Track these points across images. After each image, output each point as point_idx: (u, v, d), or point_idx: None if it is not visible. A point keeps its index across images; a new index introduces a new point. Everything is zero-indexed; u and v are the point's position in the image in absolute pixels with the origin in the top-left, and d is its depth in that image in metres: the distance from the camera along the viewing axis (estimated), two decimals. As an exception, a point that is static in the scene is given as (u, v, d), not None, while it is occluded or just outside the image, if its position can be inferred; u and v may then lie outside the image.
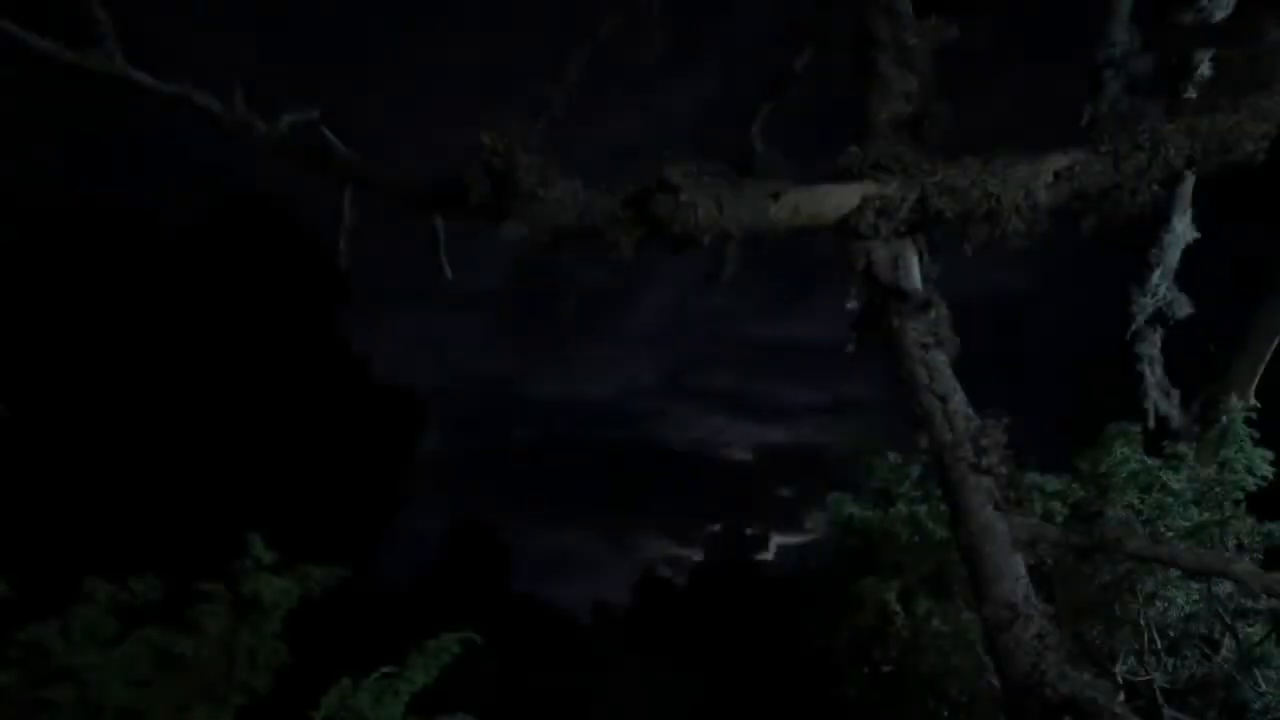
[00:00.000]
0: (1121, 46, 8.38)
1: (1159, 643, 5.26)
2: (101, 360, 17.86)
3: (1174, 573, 5.06)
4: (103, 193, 19.23)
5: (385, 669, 3.00)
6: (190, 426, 17.99)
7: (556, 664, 17.34)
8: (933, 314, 3.34)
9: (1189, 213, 9.00)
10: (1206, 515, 4.88)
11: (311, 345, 21.18)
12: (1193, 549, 2.84)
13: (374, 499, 21.85)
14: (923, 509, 5.46)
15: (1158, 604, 5.21)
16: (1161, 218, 9.19)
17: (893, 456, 6.11)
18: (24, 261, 17.82)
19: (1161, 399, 8.93)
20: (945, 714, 5.57)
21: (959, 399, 3.23)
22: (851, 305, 3.17)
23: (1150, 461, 5.34)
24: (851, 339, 3.54)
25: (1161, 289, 8.95)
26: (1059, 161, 3.39)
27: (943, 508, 5.73)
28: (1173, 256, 8.91)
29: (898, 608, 5.20)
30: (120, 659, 2.15)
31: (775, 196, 3.24)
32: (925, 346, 3.29)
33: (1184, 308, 8.75)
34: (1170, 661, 5.28)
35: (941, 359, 3.29)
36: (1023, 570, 2.99)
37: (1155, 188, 3.66)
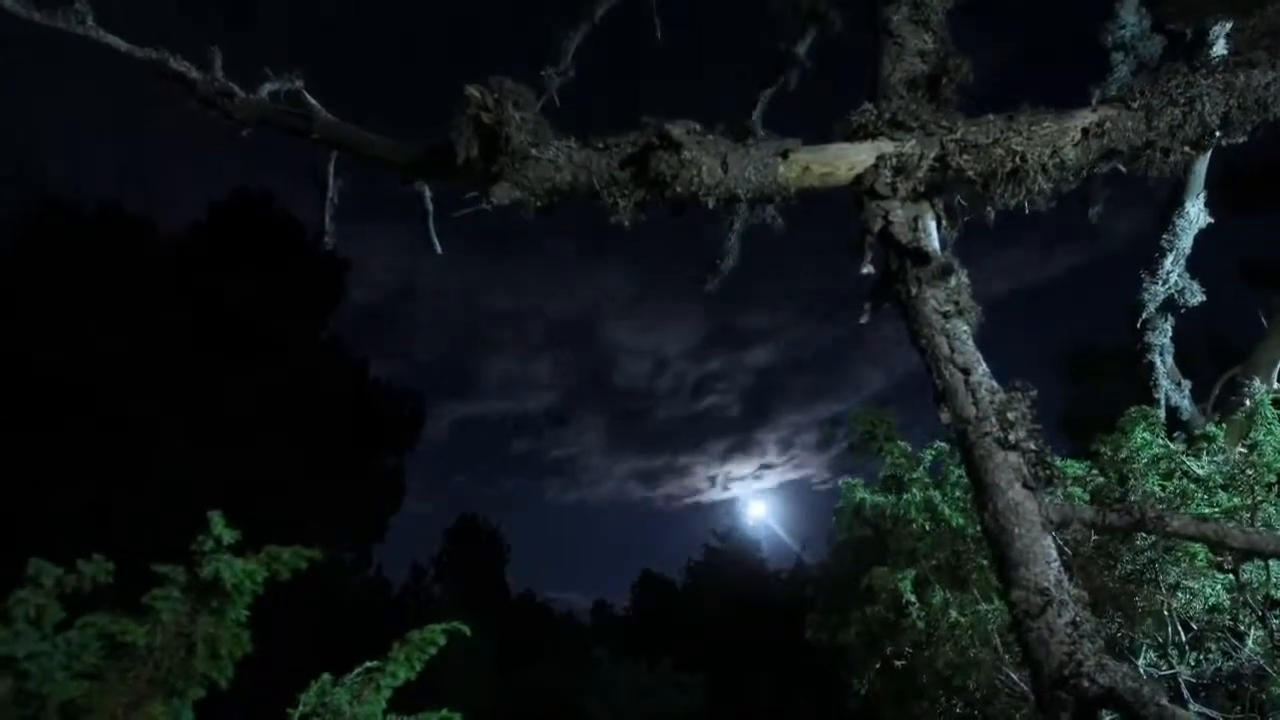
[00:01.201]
0: (1131, 29, 8.12)
1: (1183, 635, 5.04)
2: (102, 360, 17.69)
3: (1199, 561, 4.84)
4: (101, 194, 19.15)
5: (369, 664, 2.79)
6: (190, 426, 17.83)
7: (556, 663, 17.13)
8: (953, 281, 3.12)
9: (1202, 196, 8.76)
10: (1236, 499, 4.66)
11: (310, 344, 21.03)
12: (1241, 528, 2.63)
13: (374, 498, 21.68)
14: (937, 495, 5.22)
15: (1181, 595, 4.99)
16: (1175, 201, 8.94)
17: (904, 445, 5.90)
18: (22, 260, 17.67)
19: (1172, 389, 8.71)
20: (959, 710, 5.35)
21: (982, 370, 3.01)
22: (867, 270, 2.95)
23: (1173, 446, 5.12)
24: (865, 309, 3.33)
25: (1173, 275, 8.71)
26: (1087, 118, 3.18)
27: (958, 494, 5.52)
28: (1185, 241, 8.67)
29: (912, 597, 4.95)
30: (65, 648, 1.94)
31: (784, 155, 3.02)
32: (946, 315, 3.07)
33: (1196, 295, 8.52)
34: (1194, 655, 5.06)
35: (963, 328, 3.07)
36: (1054, 553, 2.78)
37: (1187, 149, 3.44)
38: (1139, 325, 8.54)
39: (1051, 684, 2.63)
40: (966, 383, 2.97)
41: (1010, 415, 2.89)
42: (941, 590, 4.92)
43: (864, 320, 3.37)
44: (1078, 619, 2.65)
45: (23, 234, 18.34)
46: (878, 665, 5.49)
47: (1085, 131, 3.15)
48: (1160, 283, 8.23)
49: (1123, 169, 3.29)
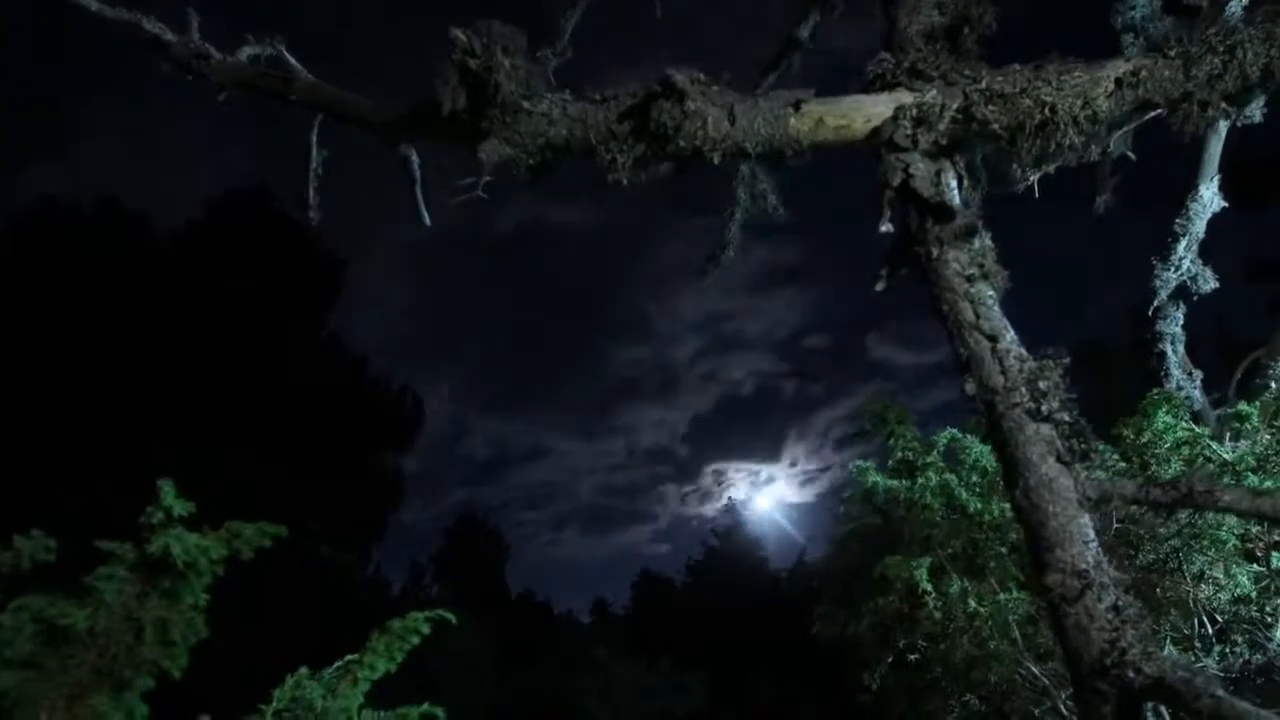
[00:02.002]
0: (1141, 9, 7.88)
1: (1209, 627, 4.82)
2: (99, 358, 17.52)
3: (1228, 548, 4.62)
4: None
5: (349, 657, 2.58)
6: (187, 424, 17.67)
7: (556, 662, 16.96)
8: (977, 243, 2.90)
9: (1216, 179, 8.51)
10: (1270, 482, 4.44)
11: (309, 343, 20.88)
12: (1300, 502, 2.41)
13: (372, 497, 21.53)
14: (953, 478, 4.98)
15: (1206, 586, 4.77)
16: (1188, 185, 8.69)
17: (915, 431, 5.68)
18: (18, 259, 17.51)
19: (1184, 379, 8.48)
20: (976, 705, 5.13)
21: (1011, 338, 2.79)
22: (885, 229, 2.73)
23: (1198, 429, 4.90)
24: (881, 275, 3.11)
25: (1185, 262, 8.47)
26: (1121, 68, 2.96)
27: (974, 478, 5.29)
28: (1199, 226, 8.42)
29: (928, 587, 4.72)
30: (-4, 634, 1.74)
31: (796, 106, 2.80)
32: (970, 279, 2.85)
33: (1209, 282, 8.28)
34: (1221, 648, 4.84)
35: (989, 293, 2.85)
36: (1091, 532, 2.56)
37: (1225, 105, 3.23)
38: (1150, 314, 8.31)
39: (1091, 674, 2.41)
40: (993, 350, 2.75)
41: (1042, 385, 2.67)
42: (959, 579, 4.69)
43: (880, 287, 3.15)
44: (1120, 603, 2.43)
45: (19, 232, 18.18)
46: (890, 659, 5.27)
47: (1119, 82, 2.93)
48: (1172, 269, 7.99)
49: (1159, 121, 3.08)
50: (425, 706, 2.02)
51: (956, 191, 2.85)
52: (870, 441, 6.29)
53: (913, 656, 5.22)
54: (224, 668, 5.63)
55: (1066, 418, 2.65)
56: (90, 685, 1.65)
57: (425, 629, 2.25)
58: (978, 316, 2.80)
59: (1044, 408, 2.65)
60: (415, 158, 3.59)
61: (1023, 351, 2.77)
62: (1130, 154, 5.65)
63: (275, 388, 19.63)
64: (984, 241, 2.93)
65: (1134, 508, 4.90)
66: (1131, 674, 2.31)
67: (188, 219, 20.30)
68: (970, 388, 2.76)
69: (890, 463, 5.70)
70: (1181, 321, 8.52)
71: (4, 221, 18.46)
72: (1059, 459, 2.60)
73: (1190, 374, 8.14)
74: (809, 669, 14.83)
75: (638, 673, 15.51)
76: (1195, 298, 8.36)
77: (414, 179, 3.66)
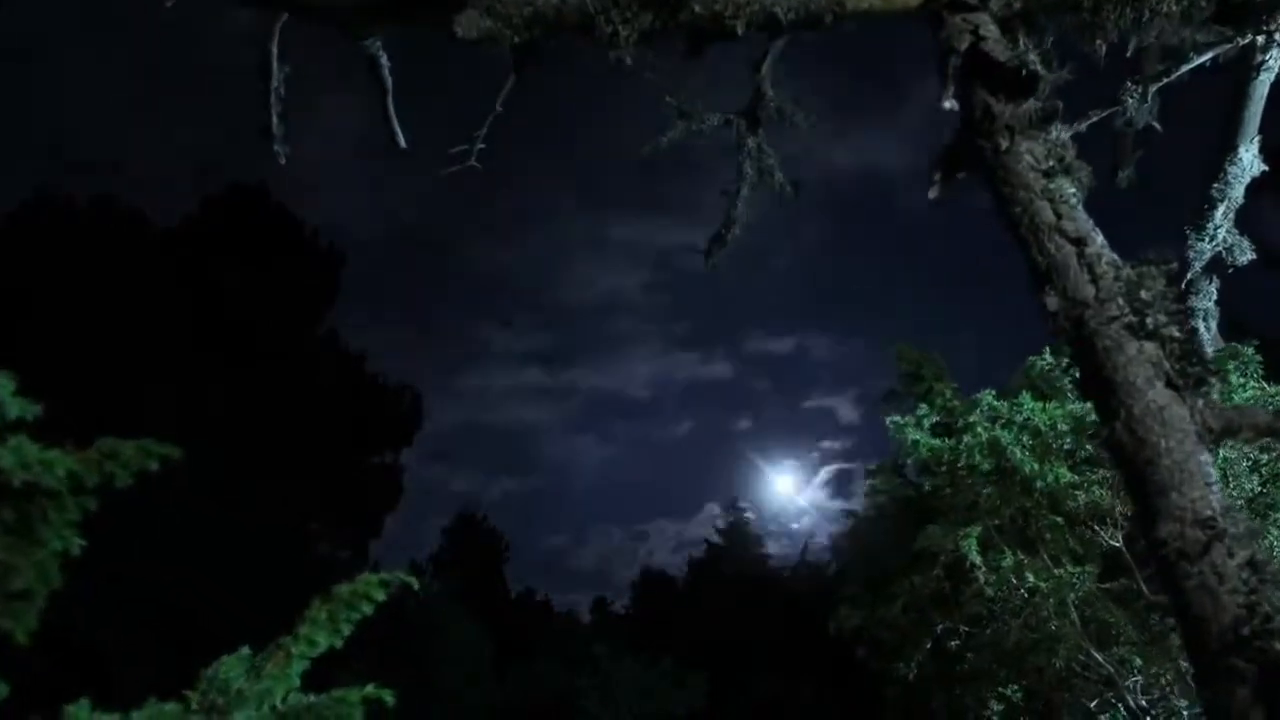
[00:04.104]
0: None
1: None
2: (95, 356, 17.17)
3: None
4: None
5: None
6: (184, 422, 17.31)
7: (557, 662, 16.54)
8: (1054, 132, 2.41)
9: (1257, 140, 7.94)
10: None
11: (307, 340, 20.53)
12: None
13: (370, 495, 21.16)
14: (1005, 435, 4.39)
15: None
16: (1225, 147, 8.12)
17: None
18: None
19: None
20: (1018, 698, 4.59)
21: (1101, 241, 2.30)
22: (948, 105, 2.22)
23: (1268, 388, 4.39)
24: (934, 181, 2.61)
25: (1222, 231, 7.91)
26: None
27: (1025, 437, 4.69)
28: (1238, 192, 7.85)
29: (978, 559, 4.13)
30: None
31: (837, -37, 2.30)
32: (1048, 174, 2.36)
33: (1245, 253, 7.71)
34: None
35: (1071, 190, 2.35)
36: (1214, 473, 2.07)
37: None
38: (1182, 287, 7.77)
39: (1223, 648, 1.92)
40: (1080, 256, 2.25)
41: (1144, 295, 2.18)
42: (1012, 552, 4.13)
43: (933, 196, 2.66)
44: (1256, 559, 1.95)
45: (15, 229, 17.82)
46: (928, 645, 4.71)
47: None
48: (1208, 239, 7.47)
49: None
50: (369, 688, 1.53)
51: (1036, 63, 2.34)
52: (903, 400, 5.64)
53: (953, 643, 4.68)
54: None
55: (1176, 333, 2.15)
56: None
57: (380, 595, 1.76)
58: (1059, 217, 2.30)
59: (1148, 321, 2.15)
60: (385, 59, 3.09)
61: (1116, 257, 2.28)
62: (1156, 125, 5.17)
63: (272, 386, 19.29)
64: (1061, 132, 2.45)
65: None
66: (1278, 645, 1.82)
67: (184, 216, 19.95)
68: (1052, 302, 2.26)
69: (926, 421, 5.00)
70: (1215, 296, 7.99)
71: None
72: (1169, 383, 2.11)
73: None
74: (813, 666, 14.41)
75: (638, 672, 15.11)
76: (1231, 270, 7.82)
77: (385, 86, 3.17)
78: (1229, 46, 4.24)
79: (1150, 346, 2.14)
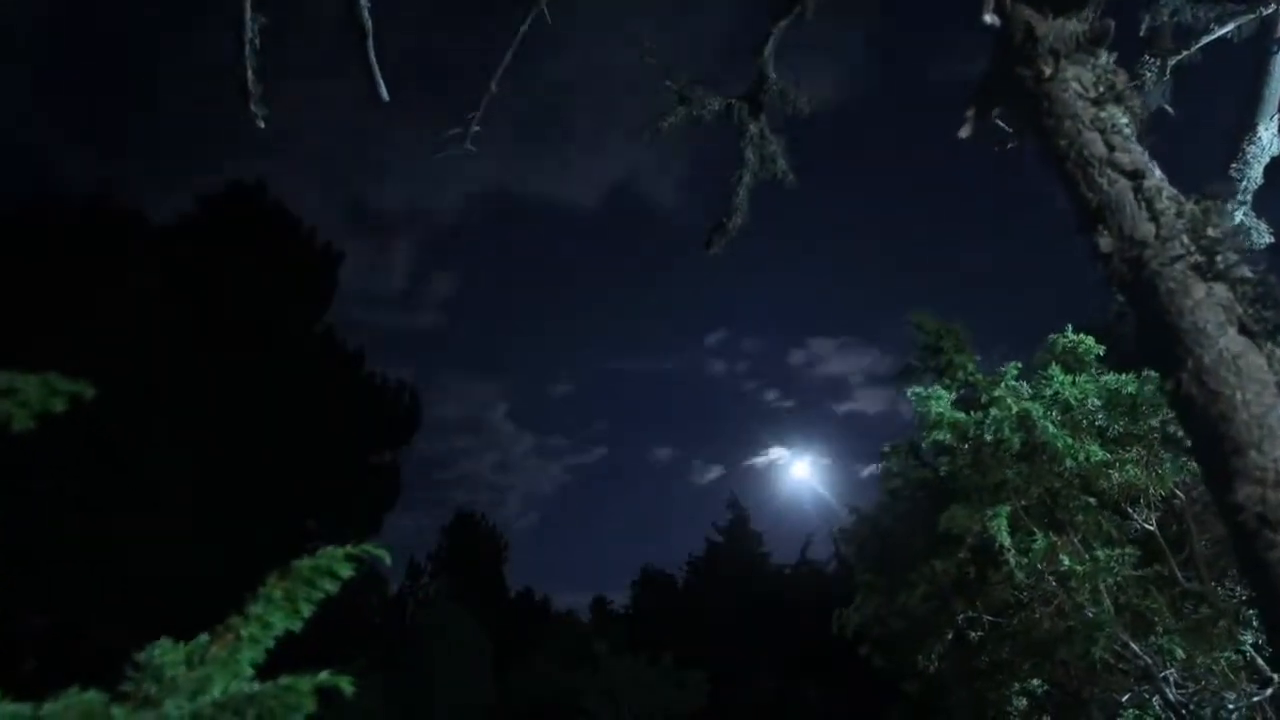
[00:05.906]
0: None
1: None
2: (92, 355, 16.99)
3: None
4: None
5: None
6: (182, 421, 17.14)
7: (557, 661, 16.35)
8: (1103, 57, 2.16)
9: (1277, 120, 7.67)
10: None
11: (305, 338, 20.35)
12: None
13: (369, 493, 20.96)
14: (1036, 408, 4.08)
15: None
16: (1243, 126, 7.85)
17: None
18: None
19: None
20: (1040, 692, 4.31)
21: (1160, 175, 2.05)
22: (989, 19, 1.97)
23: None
24: (967, 118, 2.36)
25: (1239, 213, 7.64)
26: None
27: (1056, 415, 4.39)
28: (1256, 172, 7.57)
29: (1007, 541, 3.84)
30: None
31: None
32: (1098, 101, 2.10)
33: (1263, 236, 7.44)
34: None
35: (1123, 119, 2.10)
36: None
37: None
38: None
39: None
40: (1137, 191, 2.00)
41: (1211, 232, 1.94)
42: (1043, 534, 3.84)
43: (964, 134, 2.40)
44: None
45: (12, 228, 17.65)
46: (950, 635, 4.42)
47: None
48: (1225, 219, 7.24)
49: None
50: (324, 675, 1.28)
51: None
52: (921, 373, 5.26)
53: (976, 634, 4.41)
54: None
55: (1248, 273, 1.90)
56: None
57: (345, 571, 1.51)
58: (1111, 149, 2.05)
59: (1218, 261, 1.89)
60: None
61: (1175, 192, 2.03)
62: (1169, 108, 4.94)
63: (271, 385, 19.11)
64: (1109, 58, 2.19)
65: None
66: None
67: (181, 214, 19.77)
68: (1105, 243, 2.00)
69: (951, 392, 4.64)
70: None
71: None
72: (1243, 329, 1.85)
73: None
74: (814, 666, 14.21)
75: (638, 670, 14.90)
76: (1249, 253, 7.53)
77: (365, 29, 2.92)
78: (1251, 17, 4.03)
79: (1220, 289, 1.89)
